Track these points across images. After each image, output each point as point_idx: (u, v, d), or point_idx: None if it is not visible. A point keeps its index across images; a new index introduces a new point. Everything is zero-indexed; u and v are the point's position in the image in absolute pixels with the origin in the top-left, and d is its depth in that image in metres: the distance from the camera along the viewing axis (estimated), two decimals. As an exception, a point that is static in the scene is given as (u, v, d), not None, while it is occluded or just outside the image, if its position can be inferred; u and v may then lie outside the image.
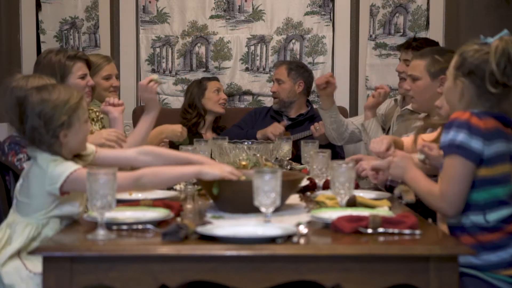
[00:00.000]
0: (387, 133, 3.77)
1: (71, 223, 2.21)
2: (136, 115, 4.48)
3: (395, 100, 3.84)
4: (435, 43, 3.83)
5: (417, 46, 3.67)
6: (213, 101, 4.43)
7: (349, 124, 3.91)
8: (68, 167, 2.16)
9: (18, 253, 2.17)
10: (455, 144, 2.08)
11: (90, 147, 2.37)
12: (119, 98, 3.55)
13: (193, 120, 4.40)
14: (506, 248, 2.12)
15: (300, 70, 4.36)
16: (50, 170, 2.16)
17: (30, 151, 2.23)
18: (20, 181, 2.26)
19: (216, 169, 2.25)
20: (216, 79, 4.59)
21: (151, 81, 3.15)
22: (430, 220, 2.33)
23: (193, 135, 4.11)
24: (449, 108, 2.30)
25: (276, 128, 4.21)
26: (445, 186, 2.10)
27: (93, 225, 1.99)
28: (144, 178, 2.19)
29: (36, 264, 2.12)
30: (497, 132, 2.12)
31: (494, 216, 2.12)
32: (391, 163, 2.32)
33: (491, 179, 2.11)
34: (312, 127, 4.08)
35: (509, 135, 2.16)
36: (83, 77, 3.11)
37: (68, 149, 2.22)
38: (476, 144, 2.07)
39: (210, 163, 2.41)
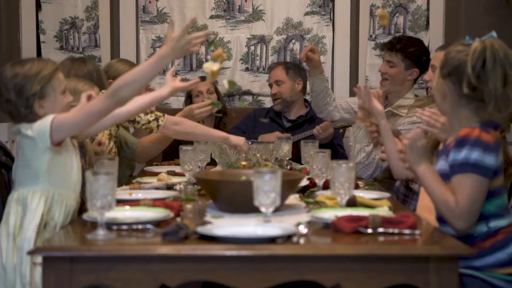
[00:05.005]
0: None
1: (70, 224, 2.21)
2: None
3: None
4: (419, 42, 3.83)
5: (401, 48, 3.67)
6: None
7: (331, 101, 3.89)
8: (48, 118, 2.20)
9: None
10: (470, 163, 2.07)
11: None
12: None
13: None
14: (503, 249, 2.14)
15: (296, 69, 4.35)
16: (35, 131, 2.19)
17: (13, 130, 2.27)
18: (15, 162, 2.30)
19: (168, 41, 2.27)
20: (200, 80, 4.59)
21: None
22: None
23: None
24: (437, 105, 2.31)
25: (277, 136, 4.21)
26: (464, 204, 2.07)
27: (93, 225, 1.99)
28: (121, 91, 2.16)
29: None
30: (500, 143, 2.13)
31: (495, 223, 2.14)
32: (411, 142, 2.22)
33: (494, 191, 2.13)
34: (315, 130, 4.07)
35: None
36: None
37: None
38: (489, 160, 2.07)
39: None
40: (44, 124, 2.19)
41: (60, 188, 2.25)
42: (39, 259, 2.11)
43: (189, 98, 4.50)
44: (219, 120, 4.52)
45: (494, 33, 2.17)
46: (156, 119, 3.22)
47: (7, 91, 2.24)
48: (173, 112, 4.61)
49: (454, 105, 2.18)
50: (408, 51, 3.66)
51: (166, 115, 3.26)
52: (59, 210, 2.24)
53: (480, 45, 2.13)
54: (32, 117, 2.24)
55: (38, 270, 2.10)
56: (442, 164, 2.19)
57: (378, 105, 2.77)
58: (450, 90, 2.18)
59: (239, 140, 3.16)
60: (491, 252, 2.13)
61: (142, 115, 3.20)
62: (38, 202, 2.21)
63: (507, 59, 2.13)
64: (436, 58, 3.13)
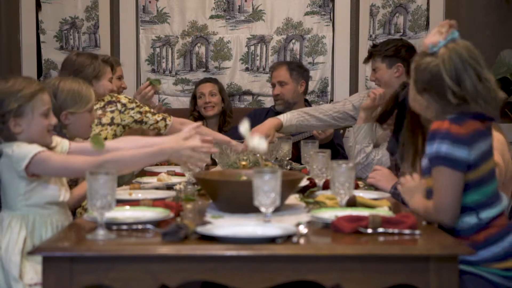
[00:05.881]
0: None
1: (70, 224, 2.22)
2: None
3: None
4: (395, 39, 3.82)
5: (377, 51, 3.66)
6: (198, 105, 4.57)
7: (309, 126, 3.75)
8: (33, 148, 2.19)
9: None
10: (441, 156, 2.09)
11: (63, 142, 2.40)
12: None
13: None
14: (498, 243, 2.15)
15: (300, 70, 4.36)
16: (15, 153, 2.19)
17: None
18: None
19: (175, 144, 2.29)
20: (203, 82, 4.62)
21: (149, 85, 3.42)
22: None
23: None
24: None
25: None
26: (438, 198, 2.12)
27: (93, 225, 1.99)
28: (107, 165, 2.19)
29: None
30: (478, 133, 2.13)
31: (486, 213, 2.15)
32: (405, 184, 2.34)
33: (480, 180, 2.14)
34: (314, 131, 4.07)
35: (486, 131, 2.17)
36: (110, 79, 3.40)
37: (26, 141, 2.24)
38: (460, 152, 2.08)
39: (172, 139, 2.42)
40: (26, 151, 2.19)
41: (41, 210, 2.25)
42: (33, 280, 2.12)
43: (194, 99, 4.56)
44: (223, 120, 4.54)
45: (455, 33, 2.18)
46: (164, 119, 3.33)
47: None
48: (174, 112, 4.63)
49: (438, 113, 2.19)
50: (384, 50, 3.65)
51: (171, 116, 3.35)
52: (45, 229, 2.25)
53: (446, 52, 2.15)
54: (7, 133, 2.23)
55: None
56: (425, 161, 2.22)
57: None
58: (430, 102, 2.19)
59: (239, 145, 3.22)
60: (485, 246, 2.13)
61: (149, 115, 3.30)
62: (20, 228, 2.21)
63: (472, 58, 2.14)
64: None
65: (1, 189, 2.28)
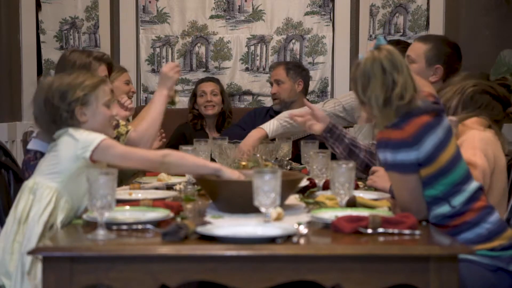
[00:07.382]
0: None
1: (70, 221, 2.22)
2: (137, 115, 4.50)
3: None
4: (408, 44, 3.82)
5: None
6: (199, 104, 4.54)
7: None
8: (100, 135, 2.26)
9: None
10: (388, 164, 2.17)
11: None
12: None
13: (198, 122, 4.50)
14: (481, 224, 2.19)
15: (298, 69, 4.36)
16: (83, 137, 2.25)
17: (58, 133, 2.29)
18: (46, 155, 2.32)
19: (234, 174, 2.37)
20: (205, 81, 4.62)
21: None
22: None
23: (200, 133, 4.23)
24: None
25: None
26: (398, 200, 2.23)
27: (93, 225, 1.99)
28: (171, 157, 2.31)
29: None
30: (424, 129, 2.13)
31: (458, 199, 2.19)
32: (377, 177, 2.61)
33: (439, 172, 2.17)
34: None
35: (435, 121, 2.15)
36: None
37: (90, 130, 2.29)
38: (403, 156, 2.13)
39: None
40: (94, 137, 2.24)
41: (71, 197, 2.27)
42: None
43: (194, 97, 4.55)
44: (223, 120, 4.54)
45: (381, 40, 2.18)
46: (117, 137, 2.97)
47: (52, 96, 2.30)
48: (174, 112, 4.63)
49: (380, 119, 2.20)
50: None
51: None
52: (61, 215, 2.25)
53: (355, 66, 2.17)
54: (72, 122, 2.29)
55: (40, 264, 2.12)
56: None
57: None
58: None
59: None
60: (468, 229, 2.18)
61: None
62: (50, 199, 2.23)
63: (391, 63, 2.12)
64: (412, 49, 3.11)
65: (47, 157, 2.30)
